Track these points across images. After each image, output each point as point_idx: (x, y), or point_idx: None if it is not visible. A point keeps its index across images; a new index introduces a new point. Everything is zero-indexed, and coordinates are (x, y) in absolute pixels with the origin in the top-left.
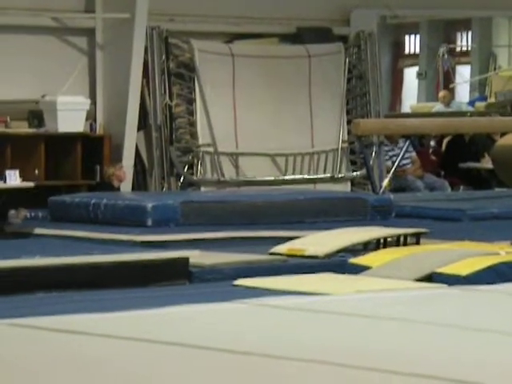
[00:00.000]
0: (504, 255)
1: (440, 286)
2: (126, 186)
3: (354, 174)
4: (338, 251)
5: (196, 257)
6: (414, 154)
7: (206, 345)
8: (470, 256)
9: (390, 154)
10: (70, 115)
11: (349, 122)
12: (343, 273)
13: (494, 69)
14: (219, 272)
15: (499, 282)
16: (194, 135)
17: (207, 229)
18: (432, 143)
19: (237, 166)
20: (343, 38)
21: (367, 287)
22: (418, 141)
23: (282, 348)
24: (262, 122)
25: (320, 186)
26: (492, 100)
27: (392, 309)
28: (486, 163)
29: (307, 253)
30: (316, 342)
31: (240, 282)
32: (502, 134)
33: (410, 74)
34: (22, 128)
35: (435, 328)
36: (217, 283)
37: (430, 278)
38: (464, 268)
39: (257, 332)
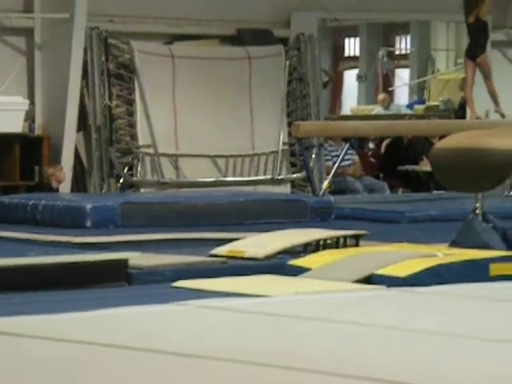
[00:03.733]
0: (442, 257)
1: (379, 288)
2: (65, 187)
3: (294, 175)
4: (278, 253)
5: (135, 258)
6: (356, 156)
7: (144, 347)
8: (408, 258)
9: (333, 154)
10: (8, 115)
11: (289, 124)
12: (283, 274)
13: (433, 72)
14: (158, 274)
15: (437, 283)
16: (133, 136)
17: (147, 230)
18: (371, 146)
19: (177, 168)
20: (283, 41)
21: (306, 289)
22: (358, 143)
23: (221, 350)
24: (202, 123)
25: (260, 188)
26: (431, 103)
27: (331, 310)
28: (425, 166)
29: (247, 254)
30: (254, 344)
31: (179, 283)
32: (441, 137)
33: (350, 77)
34: None
35: (373, 329)
36: (156, 285)
37: (369, 279)
38: (403, 270)
39: (196, 334)
